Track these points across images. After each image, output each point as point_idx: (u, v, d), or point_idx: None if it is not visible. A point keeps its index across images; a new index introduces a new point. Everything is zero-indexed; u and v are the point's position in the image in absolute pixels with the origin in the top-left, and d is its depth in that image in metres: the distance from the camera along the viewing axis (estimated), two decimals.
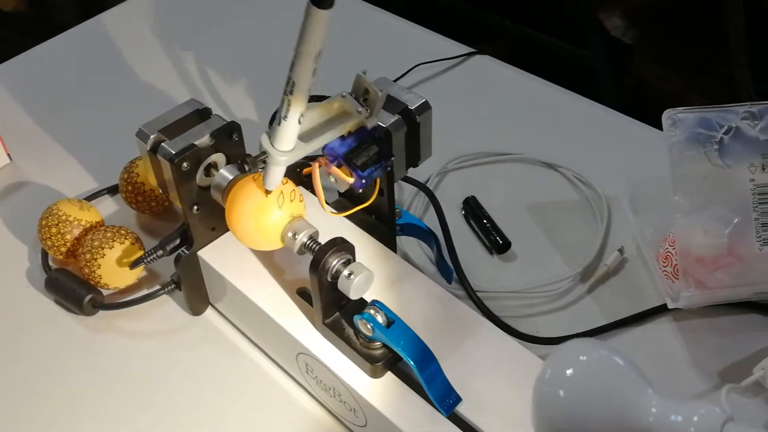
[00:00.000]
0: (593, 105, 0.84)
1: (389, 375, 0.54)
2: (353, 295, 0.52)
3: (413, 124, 0.57)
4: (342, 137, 0.54)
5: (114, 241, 0.64)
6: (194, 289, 0.64)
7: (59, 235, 0.66)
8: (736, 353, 0.61)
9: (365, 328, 0.52)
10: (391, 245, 0.63)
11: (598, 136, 0.81)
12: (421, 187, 0.72)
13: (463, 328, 0.55)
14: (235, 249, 0.61)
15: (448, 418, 0.51)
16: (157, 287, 0.65)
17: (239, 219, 0.55)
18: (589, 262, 0.68)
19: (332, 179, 0.55)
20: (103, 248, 0.64)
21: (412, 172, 0.62)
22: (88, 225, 0.67)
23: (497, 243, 0.69)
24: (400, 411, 0.52)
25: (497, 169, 0.77)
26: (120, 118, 0.83)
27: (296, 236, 0.54)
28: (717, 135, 0.61)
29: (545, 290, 0.66)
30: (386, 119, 0.56)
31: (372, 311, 0.52)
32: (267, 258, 0.61)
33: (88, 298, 0.64)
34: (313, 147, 0.52)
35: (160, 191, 0.59)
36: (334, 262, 0.52)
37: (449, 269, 0.65)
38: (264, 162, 0.51)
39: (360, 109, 0.53)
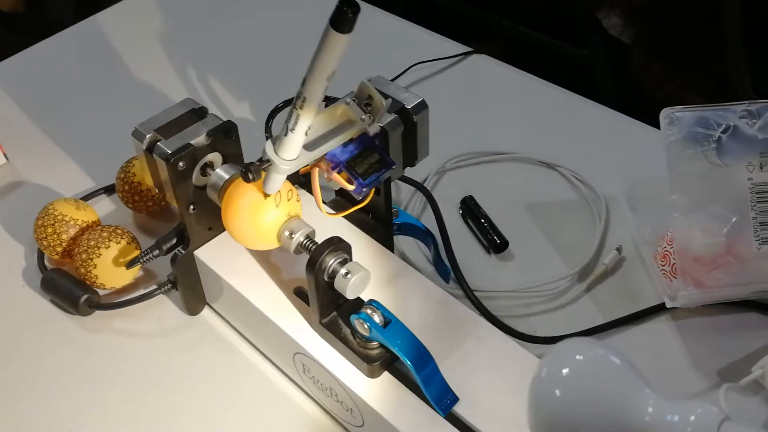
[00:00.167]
0: (591, 104, 0.84)
1: (386, 375, 0.53)
2: (350, 295, 0.52)
3: (410, 123, 0.57)
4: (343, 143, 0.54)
5: (110, 240, 0.64)
6: (191, 288, 0.64)
7: (55, 235, 0.66)
8: (735, 352, 0.61)
9: (362, 328, 0.52)
10: (389, 245, 0.62)
11: (596, 135, 0.81)
12: (419, 186, 0.72)
13: (461, 328, 0.55)
14: (231, 249, 0.61)
15: (446, 418, 0.51)
16: (154, 287, 0.65)
17: (235, 218, 0.54)
18: (587, 262, 0.68)
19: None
20: (99, 248, 0.63)
21: (409, 172, 0.62)
22: (85, 225, 0.67)
23: (495, 242, 0.69)
24: (397, 411, 0.52)
25: (495, 168, 0.77)
26: (116, 117, 0.83)
27: (293, 235, 0.54)
28: (715, 134, 0.61)
29: (543, 289, 0.66)
30: (383, 118, 0.56)
31: (369, 311, 0.52)
32: (264, 257, 0.61)
33: (84, 298, 0.63)
34: (317, 155, 0.51)
35: (157, 191, 0.59)
36: (331, 262, 0.52)
37: (447, 269, 0.65)
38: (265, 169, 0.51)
39: (363, 117, 0.53)
